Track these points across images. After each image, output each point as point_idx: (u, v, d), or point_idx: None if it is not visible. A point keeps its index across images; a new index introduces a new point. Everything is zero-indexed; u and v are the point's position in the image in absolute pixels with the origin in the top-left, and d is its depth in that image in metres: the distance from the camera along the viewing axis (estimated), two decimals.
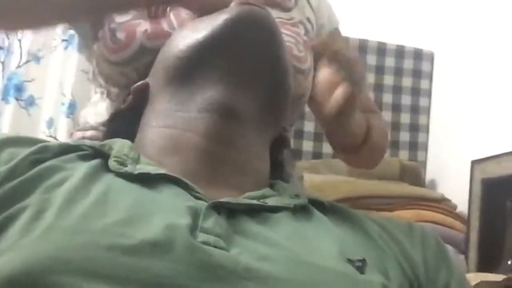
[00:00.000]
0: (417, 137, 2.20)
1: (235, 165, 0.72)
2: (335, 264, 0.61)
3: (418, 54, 2.24)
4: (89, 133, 1.04)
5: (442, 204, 1.90)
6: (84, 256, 0.53)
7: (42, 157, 0.66)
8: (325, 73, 0.94)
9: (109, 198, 0.61)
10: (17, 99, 2.25)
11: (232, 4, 0.80)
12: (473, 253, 1.74)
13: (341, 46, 0.89)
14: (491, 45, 1.95)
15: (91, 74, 1.09)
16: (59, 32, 2.27)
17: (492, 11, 1.96)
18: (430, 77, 2.25)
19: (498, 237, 1.69)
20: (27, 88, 2.28)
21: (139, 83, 0.82)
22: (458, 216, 1.87)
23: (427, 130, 2.22)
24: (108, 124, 0.87)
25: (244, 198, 0.67)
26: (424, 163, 2.19)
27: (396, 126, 2.18)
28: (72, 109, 2.21)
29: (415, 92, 2.22)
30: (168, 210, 0.60)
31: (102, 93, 1.05)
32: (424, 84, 2.24)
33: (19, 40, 2.27)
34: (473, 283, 1.27)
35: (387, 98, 2.20)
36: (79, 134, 1.07)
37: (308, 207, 0.71)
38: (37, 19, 0.92)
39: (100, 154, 0.69)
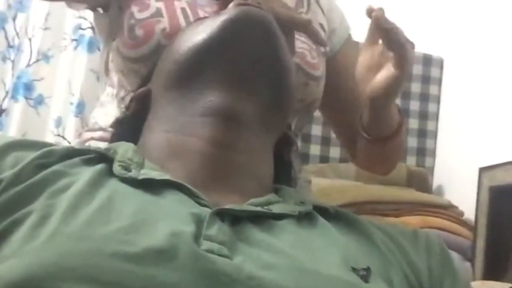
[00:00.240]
0: (425, 143, 2.19)
1: (238, 169, 0.72)
2: (339, 272, 0.61)
3: (427, 60, 2.23)
4: (98, 134, 1.04)
5: (449, 210, 1.89)
6: (87, 263, 0.53)
7: (47, 162, 0.66)
8: (371, 52, 0.94)
9: (113, 204, 0.61)
10: (26, 98, 2.26)
11: (230, 5, 0.79)
12: (479, 261, 1.73)
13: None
14: (501, 52, 1.94)
15: (104, 72, 1.09)
16: (69, 32, 2.28)
17: (502, 18, 1.95)
18: (439, 83, 2.24)
19: (505, 245, 1.68)
20: (36, 87, 2.29)
21: (140, 89, 0.82)
22: (465, 223, 1.86)
23: (435, 136, 2.22)
24: (113, 130, 0.87)
25: (248, 205, 0.67)
26: (431, 169, 2.18)
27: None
28: (81, 108, 2.21)
29: (424, 98, 2.22)
30: (172, 217, 0.60)
31: (112, 95, 1.05)
32: (433, 90, 2.23)
33: (29, 39, 2.28)
34: None
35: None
36: (88, 134, 1.07)
37: (313, 214, 0.71)
38: None
39: (104, 159, 0.69)
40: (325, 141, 2.09)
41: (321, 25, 1.12)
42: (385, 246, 0.69)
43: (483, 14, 2.05)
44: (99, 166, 0.67)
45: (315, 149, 2.10)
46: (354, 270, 0.62)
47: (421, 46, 2.24)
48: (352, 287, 0.60)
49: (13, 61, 2.30)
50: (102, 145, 0.91)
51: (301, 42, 1.02)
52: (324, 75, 1.06)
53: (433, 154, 2.20)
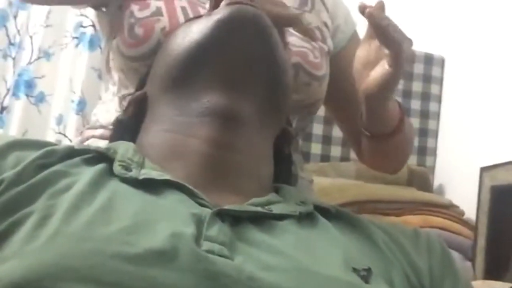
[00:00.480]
0: (426, 142, 2.19)
1: (238, 169, 0.72)
2: (340, 273, 0.61)
3: (428, 59, 2.23)
4: (99, 131, 1.04)
5: (449, 210, 1.89)
6: (88, 264, 0.53)
7: (48, 162, 0.66)
8: (368, 48, 0.91)
9: (114, 205, 0.61)
10: (27, 95, 2.26)
11: (222, 4, 0.78)
12: (480, 260, 1.73)
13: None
14: (502, 51, 1.94)
15: (106, 70, 1.09)
16: (70, 30, 2.28)
17: (503, 18, 1.95)
18: (440, 82, 2.24)
19: (506, 245, 1.68)
20: (37, 84, 2.29)
21: (137, 93, 0.82)
22: (465, 223, 1.85)
23: (436, 136, 2.21)
24: (112, 133, 0.86)
25: (249, 205, 0.66)
26: (432, 169, 2.18)
27: None
28: (82, 106, 2.21)
29: (425, 97, 2.21)
30: (173, 218, 0.60)
31: (113, 93, 1.05)
32: (434, 89, 2.23)
33: (31, 37, 2.28)
34: None
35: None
36: (89, 132, 1.07)
37: (313, 214, 0.70)
38: None
39: (104, 158, 0.69)
40: (326, 140, 2.09)
41: (325, 24, 1.11)
42: (386, 246, 0.69)
43: (484, 13, 2.04)
44: (100, 166, 0.67)
45: (316, 148, 2.10)
46: (355, 270, 0.62)
47: (423, 45, 2.24)
48: (353, 287, 0.60)
49: (14, 59, 2.30)
50: (103, 143, 0.91)
51: (303, 42, 1.02)
52: (327, 75, 1.05)
53: (434, 153, 2.20)
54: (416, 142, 2.15)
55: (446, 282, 0.70)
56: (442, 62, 2.24)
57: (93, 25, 2.20)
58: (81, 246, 0.54)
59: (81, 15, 2.24)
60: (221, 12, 0.76)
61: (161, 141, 0.73)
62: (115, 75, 1.04)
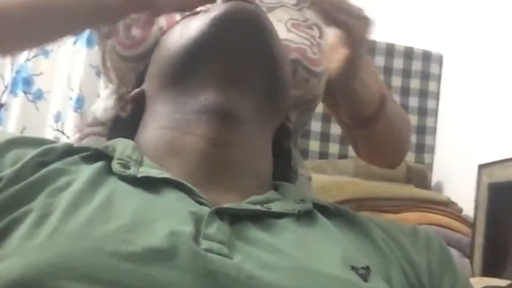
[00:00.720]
0: (424, 139, 2.19)
1: (236, 167, 0.72)
2: (338, 271, 0.61)
3: (426, 56, 2.23)
4: (98, 129, 1.04)
5: (448, 207, 1.89)
6: (87, 262, 0.53)
7: (47, 160, 0.66)
8: (329, 36, 0.88)
9: (112, 203, 0.60)
10: (25, 92, 2.26)
11: (219, 0, 0.78)
12: (478, 257, 1.73)
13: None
14: (500, 48, 1.94)
15: (103, 70, 1.09)
16: None
17: (501, 14, 1.95)
18: (438, 79, 2.24)
19: (504, 242, 1.68)
20: (35, 81, 2.29)
21: (135, 91, 0.82)
22: (463, 220, 1.86)
23: (434, 133, 2.21)
24: (110, 131, 0.86)
25: (248, 203, 0.66)
26: (430, 166, 2.18)
27: None
28: (80, 103, 2.21)
29: (423, 94, 2.21)
30: (171, 216, 0.59)
31: (111, 90, 1.05)
32: (432, 86, 2.23)
33: None
34: (477, 287, 1.26)
35: (395, 99, 2.19)
36: (88, 129, 1.07)
37: (312, 212, 0.70)
38: (30, 39, 0.91)
39: (103, 156, 0.69)
40: (324, 137, 2.09)
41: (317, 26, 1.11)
42: (385, 244, 0.69)
43: (482, 11, 2.04)
44: (98, 164, 0.67)
45: (314, 145, 2.10)
46: (353, 269, 0.62)
47: (421, 42, 2.25)
48: (351, 286, 0.60)
49: (12, 56, 2.29)
50: (102, 140, 0.91)
51: (302, 38, 1.02)
52: (326, 71, 1.05)
53: (432, 150, 2.20)
54: (414, 139, 2.15)
55: (445, 279, 0.70)
56: (440, 59, 2.24)
57: None
58: (79, 244, 0.55)
59: None
60: (218, 8, 0.76)
61: (158, 139, 0.73)
62: (112, 74, 1.04)
